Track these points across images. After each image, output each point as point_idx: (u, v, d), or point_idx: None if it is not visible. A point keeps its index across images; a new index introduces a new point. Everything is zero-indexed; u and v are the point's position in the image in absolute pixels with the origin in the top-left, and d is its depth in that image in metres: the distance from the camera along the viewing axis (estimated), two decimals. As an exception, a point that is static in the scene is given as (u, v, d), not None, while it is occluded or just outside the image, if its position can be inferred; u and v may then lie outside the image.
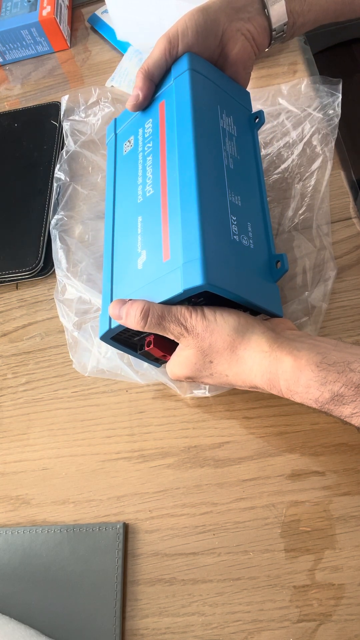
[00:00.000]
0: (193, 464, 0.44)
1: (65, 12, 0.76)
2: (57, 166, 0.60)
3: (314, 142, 0.54)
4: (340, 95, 0.55)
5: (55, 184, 0.59)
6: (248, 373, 0.37)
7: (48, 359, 0.53)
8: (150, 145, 0.45)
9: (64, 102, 0.65)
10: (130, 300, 0.39)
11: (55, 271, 0.53)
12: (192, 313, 0.38)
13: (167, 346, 0.42)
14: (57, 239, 0.55)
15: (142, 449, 0.46)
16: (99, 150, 0.60)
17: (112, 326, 0.41)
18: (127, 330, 0.41)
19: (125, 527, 0.43)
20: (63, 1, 0.76)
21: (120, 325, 0.40)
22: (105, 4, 0.72)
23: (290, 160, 0.54)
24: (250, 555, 0.40)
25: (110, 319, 0.41)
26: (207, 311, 0.38)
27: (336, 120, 0.54)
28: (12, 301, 0.57)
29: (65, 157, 0.60)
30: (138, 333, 0.42)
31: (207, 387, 0.46)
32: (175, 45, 0.45)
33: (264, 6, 0.47)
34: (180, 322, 0.38)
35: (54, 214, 0.57)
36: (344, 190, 0.53)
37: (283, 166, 0.54)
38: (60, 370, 0.52)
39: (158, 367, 0.46)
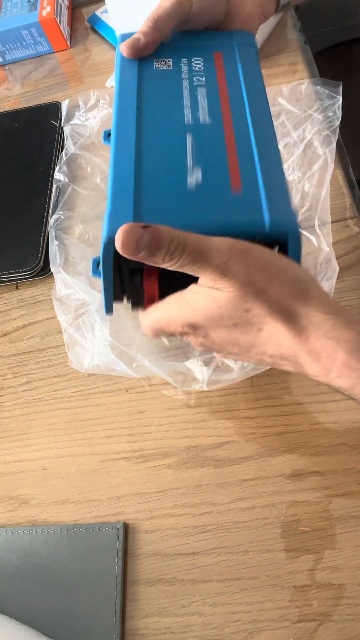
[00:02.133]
0: (193, 464, 0.44)
1: (65, 12, 0.76)
2: (57, 168, 0.60)
3: (315, 143, 0.54)
4: (340, 98, 0.55)
5: (54, 185, 0.59)
6: (296, 335, 0.29)
7: (48, 359, 0.53)
8: (203, 80, 0.41)
9: (65, 106, 0.65)
10: (152, 225, 0.29)
11: (51, 268, 0.53)
12: (243, 250, 0.29)
13: (170, 286, 0.34)
14: (54, 238, 0.55)
15: (142, 449, 0.46)
16: (98, 152, 0.60)
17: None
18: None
19: (125, 527, 0.43)
20: (63, 1, 0.76)
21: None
22: (105, 4, 0.72)
23: (291, 160, 0.54)
24: (250, 555, 0.40)
25: (135, 215, 0.33)
26: (264, 251, 0.30)
27: (337, 123, 0.54)
28: (12, 301, 0.57)
29: (64, 159, 0.60)
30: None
31: (205, 380, 0.46)
32: (189, 1, 0.42)
33: None
34: (225, 257, 0.29)
35: (53, 214, 0.57)
36: (343, 190, 0.53)
37: (284, 166, 0.54)
38: (60, 370, 0.52)
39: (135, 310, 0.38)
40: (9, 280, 0.57)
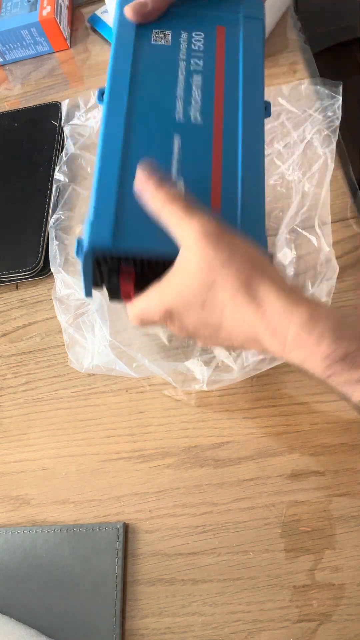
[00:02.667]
0: (193, 464, 0.44)
1: (65, 12, 0.76)
2: (57, 168, 0.60)
3: (315, 143, 0.54)
4: (340, 98, 0.55)
5: (55, 185, 0.59)
6: (254, 310, 0.30)
7: (48, 359, 0.53)
8: (201, 65, 0.39)
9: (65, 106, 0.65)
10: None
11: (51, 267, 0.53)
12: (218, 225, 0.31)
13: (142, 284, 0.36)
14: (54, 237, 0.55)
15: (142, 449, 0.46)
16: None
17: (121, 243, 0.33)
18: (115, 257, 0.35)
19: (125, 527, 0.43)
20: (63, 1, 0.76)
21: (119, 247, 0.34)
22: (105, 4, 0.72)
23: (291, 160, 0.54)
24: (250, 555, 0.40)
25: (114, 231, 0.34)
26: (232, 230, 0.32)
27: (337, 122, 0.54)
28: (12, 301, 0.57)
29: (64, 159, 0.60)
30: (120, 262, 0.36)
31: (204, 380, 0.46)
32: None
33: None
34: (204, 226, 0.31)
35: (53, 214, 0.57)
36: (343, 190, 0.53)
37: (284, 166, 0.54)
38: (60, 370, 0.52)
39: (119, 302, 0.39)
40: (9, 280, 0.57)
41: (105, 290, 0.38)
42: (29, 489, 0.47)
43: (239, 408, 0.46)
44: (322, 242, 0.49)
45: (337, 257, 0.49)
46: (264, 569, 0.40)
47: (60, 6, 0.75)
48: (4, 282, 0.57)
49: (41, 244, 0.57)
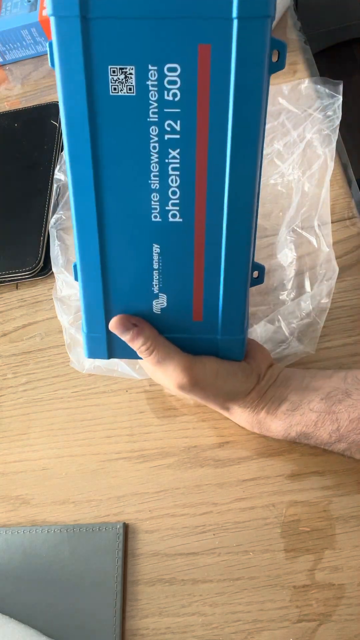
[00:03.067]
0: (193, 464, 0.44)
1: (65, 12, 0.76)
2: (57, 167, 0.60)
3: (315, 143, 0.54)
4: (340, 97, 0.55)
5: (55, 185, 0.59)
6: (229, 415, 0.43)
7: (48, 359, 0.53)
8: (178, 127, 0.29)
9: None
10: (137, 326, 0.36)
11: (52, 268, 0.53)
12: (191, 375, 0.37)
13: None
14: (55, 237, 0.55)
15: (142, 449, 0.46)
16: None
17: (115, 355, 0.39)
18: None
19: (125, 527, 0.43)
20: (63, 1, 0.76)
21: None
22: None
23: (290, 160, 0.54)
24: (250, 555, 0.40)
25: (108, 346, 0.38)
26: (209, 364, 0.38)
27: (337, 122, 0.54)
28: (12, 301, 0.57)
29: (64, 159, 0.60)
30: None
31: None
32: None
33: None
34: (179, 371, 0.37)
35: (53, 214, 0.57)
36: (343, 190, 0.53)
37: (284, 166, 0.54)
38: (60, 370, 0.52)
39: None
40: (9, 280, 0.57)
41: None
42: (29, 489, 0.47)
43: (239, 408, 0.46)
44: (322, 242, 0.49)
45: (337, 257, 0.49)
46: (264, 569, 0.40)
47: (60, 6, 0.75)
48: (4, 282, 0.57)
49: (41, 244, 0.57)
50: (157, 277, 0.34)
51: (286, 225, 0.52)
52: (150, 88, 0.28)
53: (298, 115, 0.56)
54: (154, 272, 0.34)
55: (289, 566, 0.39)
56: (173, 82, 0.28)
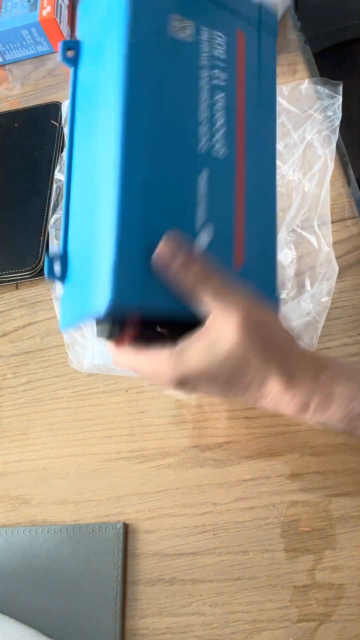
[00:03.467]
0: (193, 464, 0.44)
1: (65, 12, 0.76)
2: (57, 167, 0.60)
3: (315, 144, 0.54)
4: (340, 98, 0.55)
5: (55, 185, 0.59)
6: (283, 391, 0.31)
7: (48, 358, 0.53)
8: (223, 77, 0.33)
9: (65, 107, 0.64)
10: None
11: None
12: (258, 302, 0.31)
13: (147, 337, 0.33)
14: (54, 237, 0.55)
15: (142, 449, 0.46)
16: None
17: (152, 301, 0.29)
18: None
19: (125, 527, 0.43)
20: (63, 1, 0.76)
21: (150, 305, 0.30)
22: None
23: (291, 161, 0.54)
24: (250, 555, 0.40)
25: (143, 288, 0.29)
26: (268, 312, 0.32)
27: (337, 123, 0.54)
28: (12, 301, 0.57)
29: (64, 159, 0.60)
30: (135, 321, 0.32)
31: None
32: None
33: None
34: (247, 306, 0.31)
35: (53, 214, 0.57)
36: (343, 190, 0.53)
37: (284, 167, 0.54)
38: (60, 370, 0.52)
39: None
40: (9, 280, 0.57)
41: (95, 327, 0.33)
42: (29, 489, 0.47)
43: (239, 408, 0.46)
44: (322, 242, 0.49)
45: (337, 257, 0.49)
46: (264, 569, 0.40)
47: (60, 6, 0.75)
48: (4, 282, 0.57)
49: (41, 244, 0.57)
50: (202, 210, 0.32)
51: (286, 226, 0.52)
52: (203, 41, 0.33)
53: (298, 116, 0.56)
54: (198, 204, 0.32)
55: (289, 566, 0.39)
56: (219, 45, 0.34)
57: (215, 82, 0.33)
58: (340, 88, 0.56)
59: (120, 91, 0.30)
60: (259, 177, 0.34)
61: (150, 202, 0.30)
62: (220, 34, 0.34)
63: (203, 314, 0.31)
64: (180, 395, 0.47)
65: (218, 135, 0.33)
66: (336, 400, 0.32)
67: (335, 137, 0.53)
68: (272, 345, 0.31)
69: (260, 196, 0.34)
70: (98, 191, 0.31)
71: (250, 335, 0.30)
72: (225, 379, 0.31)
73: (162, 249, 0.29)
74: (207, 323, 0.31)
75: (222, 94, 0.34)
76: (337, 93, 0.56)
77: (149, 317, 0.31)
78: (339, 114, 0.54)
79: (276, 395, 0.32)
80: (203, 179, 0.32)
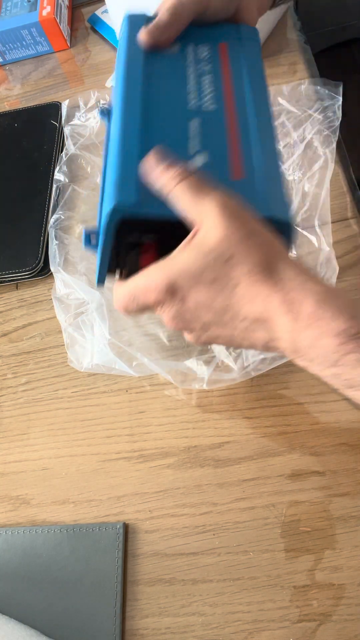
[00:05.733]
0: (193, 464, 0.44)
1: (65, 12, 0.76)
2: (57, 168, 0.60)
3: (315, 144, 0.54)
4: (340, 98, 0.55)
5: (54, 185, 0.59)
6: (271, 285, 0.30)
7: (48, 359, 0.53)
8: (209, 69, 0.41)
9: (65, 107, 0.65)
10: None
11: (50, 267, 0.53)
12: (238, 200, 0.32)
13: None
14: (54, 237, 0.55)
15: (142, 449, 0.46)
16: (98, 152, 0.60)
17: (146, 205, 0.33)
18: (137, 227, 0.34)
19: (125, 527, 0.43)
20: (63, 1, 0.76)
21: (145, 208, 0.33)
22: (105, 4, 0.72)
23: (291, 160, 0.54)
24: (250, 555, 0.40)
25: (140, 193, 0.33)
26: (252, 211, 0.32)
27: (337, 123, 0.54)
28: (12, 301, 0.57)
29: (64, 159, 0.60)
30: (142, 234, 0.35)
31: (205, 380, 0.46)
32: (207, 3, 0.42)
33: None
34: (222, 200, 0.31)
35: (53, 214, 0.57)
36: (343, 190, 0.53)
37: (284, 167, 0.54)
38: (60, 370, 0.52)
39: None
40: (9, 280, 0.57)
41: (117, 277, 0.36)
42: (29, 489, 0.47)
43: (239, 408, 0.46)
44: (322, 242, 0.49)
45: (337, 257, 0.49)
46: (264, 569, 0.40)
47: (60, 6, 0.75)
48: (4, 282, 0.57)
49: (41, 244, 0.57)
50: (194, 140, 0.36)
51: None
52: (189, 51, 0.42)
53: (298, 116, 0.56)
54: (190, 139, 0.36)
55: (289, 566, 0.39)
56: (203, 52, 0.42)
57: (200, 70, 0.41)
58: (341, 89, 0.56)
59: (120, 72, 0.40)
60: (259, 118, 0.38)
61: (147, 141, 0.35)
62: (204, 45, 0.42)
63: (190, 222, 0.32)
64: (181, 395, 0.47)
65: (207, 98, 0.39)
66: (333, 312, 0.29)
67: (335, 137, 0.54)
68: (253, 239, 0.30)
69: (259, 124, 0.38)
70: (110, 155, 0.37)
71: (230, 225, 0.30)
72: (211, 278, 0.31)
73: (148, 158, 0.33)
74: (193, 229, 0.32)
75: (208, 75, 0.40)
76: (337, 94, 0.56)
77: (146, 224, 0.33)
78: (339, 114, 0.54)
79: (260, 289, 0.30)
80: (194, 121, 0.37)
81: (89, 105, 0.63)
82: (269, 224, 0.32)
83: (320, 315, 0.29)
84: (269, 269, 0.30)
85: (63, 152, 0.60)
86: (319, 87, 0.57)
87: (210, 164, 0.35)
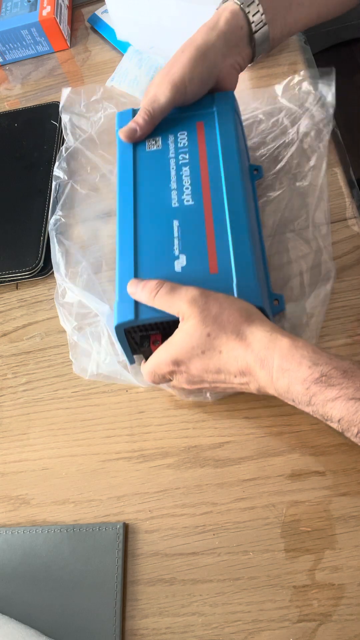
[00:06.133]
0: (193, 464, 0.44)
1: (65, 12, 0.76)
2: (56, 163, 0.60)
3: (310, 140, 0.54)
4: (334, 84, 0.55)
5: (54, 182, 0.59)
6: (244, 347, 0.38)
7: (48, 359, 0.53)
8: (187, 157, 0.48)
9: (65, 94, 0.63)
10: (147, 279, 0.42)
11: (55, 274, 0.53)
12: (202, 291, 0.39)
13: None
14: (56, 241, 0.55)
15: (142, 449, 0.46)
16: (97, 150, 0.60)
17: (140, 316, 0.41)
18: (141, 327, 0.43)
19: (125, 527, 0.43)
20: (63, 1, 0.76)
21: (140, 319, 0.41)
22: (105, 4, 0.72)
23: (287, 157, 0.54)
24: (250, 555, 0.40)
25: (135, 309, 0.42)
26: (219, 293, 0.40)
27: (331, 111, 0.54)
28: (12, 301, 0.57)
29: (64, 154, 0.60)
30: (147, 331, 0.43)
31: (208, 392, 0.46)
32: (182, 93, 0.48)
33: (250, 39, 0.50)
34: (189, 296, 0.39)
35: (52, 213, 0.57)
36: (342, 190, 0.53)
37: (280, 165, 0.54)
38: (60, 370, 0.52)
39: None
40: (9, 280, 0.57)
41: (143, 361, 0.45)
42: (29, 489, 0.47)
43: (239, 408, 0.46)
44: (322, 242, 0.49)
45: (337, 257, 0.49)
46: (264, 569, 0.40)
47: (60, 6, 0.75)
48: (4, 282, 0.58)
49: (41, 244, 0.57)
50: (178, 242, 0.44)
51: (286, 226, 0.52)
52: (170, 143, 0.49)
53: (294, 112, 0.56)
54: (175, 239, 0.44)
55: (289, 566, 0.39)
56: (182, 139, 0.49)
57: (181, 161, 0.48)
58: (333, 74, 0.56)
59: (117, 186, 0.49)
60: (232, 205, 0.44)
61: (140, 250, 0.44)
62: (183, 132, 0.49)
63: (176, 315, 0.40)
64: (181, 394, 0.47)
65: (186, 193, 0.46)
66: (297, 360, 0.36)
67: (329, 130, 0.54)
68: (221, 317, 0.38)
69: (233, 218, 0.44)
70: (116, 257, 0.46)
71: (201, 312, 0.38)
72: (201, 350, 0.39)
73: (130, 284, 0.42)
74: (180, 319, 0.40)
75: (187, 167, 0.47)
76: (330, 80, 0.56)
77: (145, 323, 0.42)
78: (333, 102, 0.55)
79: (238, 352, 0.38)
80: (177, 222, 0.45)
81: (93, 98, 0.62)
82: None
83: (286, 367, 0.36)
84: (240, 334, 0.38)
85: (63, 147, 0.60)
86: (313, 80, 0.57)
87: (192, 260, 0.43)
